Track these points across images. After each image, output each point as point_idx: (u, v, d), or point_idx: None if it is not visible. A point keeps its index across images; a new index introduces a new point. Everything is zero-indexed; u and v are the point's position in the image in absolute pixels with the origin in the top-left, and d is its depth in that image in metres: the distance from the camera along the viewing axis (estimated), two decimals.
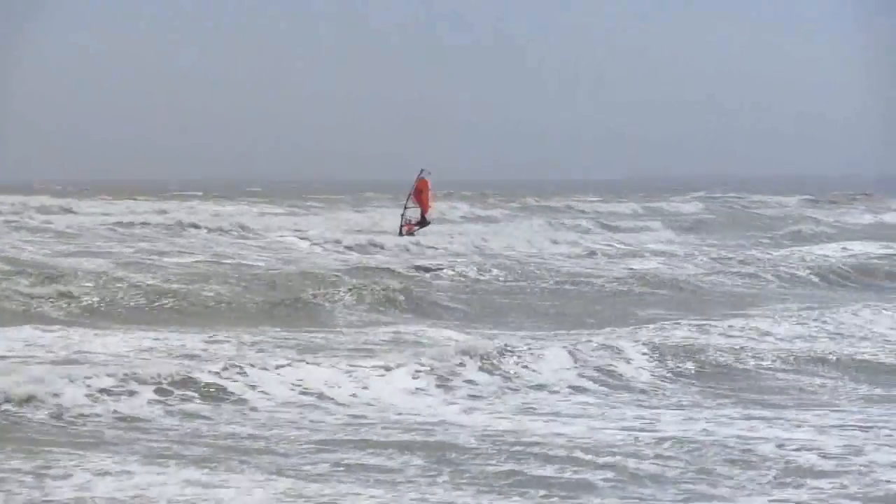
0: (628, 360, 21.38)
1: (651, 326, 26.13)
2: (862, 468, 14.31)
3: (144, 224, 57.27)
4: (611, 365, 21.06)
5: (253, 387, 18.29)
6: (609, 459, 14.48)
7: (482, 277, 36.24)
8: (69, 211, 66.06)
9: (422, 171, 40.05)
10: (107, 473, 13.21)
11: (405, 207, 41.20)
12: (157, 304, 29.00)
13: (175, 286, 30.35)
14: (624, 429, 16.43)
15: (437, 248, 47.13)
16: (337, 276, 33.23)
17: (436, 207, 74.74)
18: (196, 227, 57.25)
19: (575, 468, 14.08)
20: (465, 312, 30.55)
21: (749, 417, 17.46)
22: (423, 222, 40.73)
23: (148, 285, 30.21)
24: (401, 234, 41.53)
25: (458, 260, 40.21)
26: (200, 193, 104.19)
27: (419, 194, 40.14)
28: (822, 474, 14.02)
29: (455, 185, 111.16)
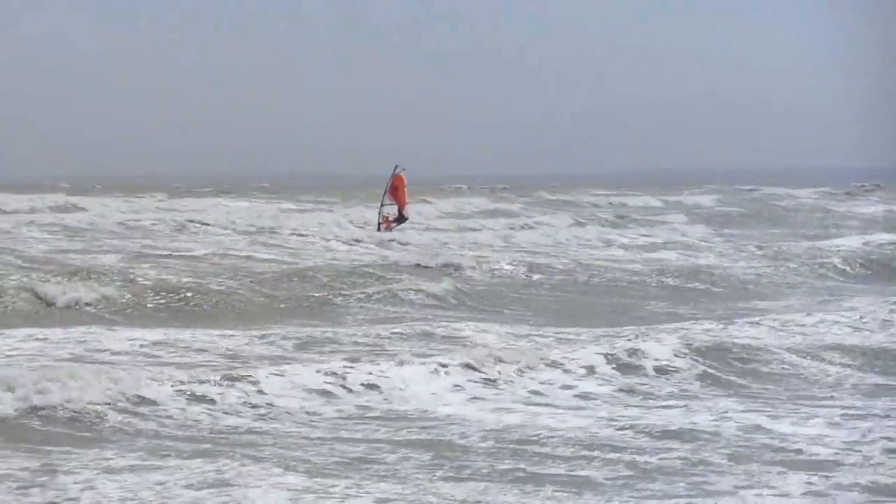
0: (658, 356, 20.47)
1: (683, 323, 25.52)
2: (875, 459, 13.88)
3: (160, 221, 56.35)
4: (637, 360, 20.17)
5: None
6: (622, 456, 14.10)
7: (513, 273, 35.26)
8: (80, 208, 65.34)
9: (396, 167, 40.44)
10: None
11: (381, 204, 41.30)
12: (196, 302, 28.27)
13: (214, 286, 29.66)
14: (644, 424, 15.88)
15: (462, 244, 46.24)
16: (370, 271, 32.57)
17: (450, 203, 74.96)
18: (208, 223, 56.33)
19: (580, 462, 13.81)
20: (498, 308, 29.54)
21: (767, 411, 16.79)
22: (400, 218, 41.16)
23: (184, 283, 29.52)
24: (378, 230, 41.21)
25: (486, 255, 39.21)
26: (209, 189, 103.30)
27: (395, 191, 40.56)
28: (832, 466, 13.65)
29: (458, 180, 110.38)
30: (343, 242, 43.90)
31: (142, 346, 21.32)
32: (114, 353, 20.52)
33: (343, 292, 29.78)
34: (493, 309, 29.39)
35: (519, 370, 18.97)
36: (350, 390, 17.62)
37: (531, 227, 56.61)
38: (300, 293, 29.73)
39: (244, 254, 39.39)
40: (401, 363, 18.77)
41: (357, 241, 44.33)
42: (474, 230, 53.78)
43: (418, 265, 35.36)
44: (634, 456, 14.02)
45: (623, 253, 44.01)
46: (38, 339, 21.67)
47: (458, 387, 18.14)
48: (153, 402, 16.31)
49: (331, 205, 74.73)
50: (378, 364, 18.75)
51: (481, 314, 28.25)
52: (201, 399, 16.65)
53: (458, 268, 35.08)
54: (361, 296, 29.57)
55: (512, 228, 55.58)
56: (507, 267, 35.88)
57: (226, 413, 16.28)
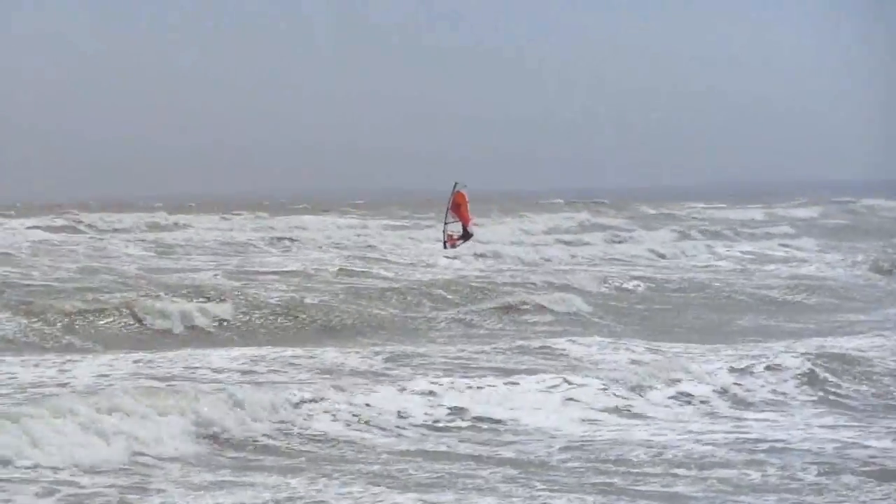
0: (774, 370, 19.85)
1: (798, 337, 24.78)
2: None
3: (260, 239, 55.87)
4: (748, 378, 19.47)
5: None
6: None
7: (631, 288, 34.44)
8: (181, 226, 65.22)
9: (456, 184, 39.76)
10: None
11: (445, 222, 40.85)
12: (296, 318, 27.80)
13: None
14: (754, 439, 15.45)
15: (570, 260, 45.52)
16: (482, 285, 32.23)
17: (551, 218, 74.31)
18: (308, 240, 55.80)
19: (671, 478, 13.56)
20: (612, 325, 28.69)
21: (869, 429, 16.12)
22: (465, 235, 40.17)
23: (285, 299, 29.06)
24: (445, 248, 40.88)
25: (596, 270, 38.39)
26: (303, 206, 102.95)
27: (457, 208, 39.68)
28: None
29: (549, 194, 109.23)
30: (446, 258, 43.42)
31: (242, 363, 20.95)
32: (214, 371, 20.15)
33: (458, 307, 29.88)
34: (609, 324, 28.73)
35: (640, 386, 18.55)
36: (457, 409, 17.19)
37: (636, 242, 55.46)
38: (403, 309, 29.61)
39: (344, 269, 38.79)
40: (510, 377, 18.58)
41: (455, 257, 43.69)
42: (578, 245, 52.92)
43: (530, 282, 34.49)
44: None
45: (733, 265, 42.93)
46: (136, 361, 21.15)
47: (572, 401, 17.72)
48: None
49: (426, 220, 74.11)
50: (486, 378, 18.58)
51: (595, 329, 27.67)
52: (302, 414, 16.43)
53: (565, 286, 34.09)
54: (481, 310, 29.74)
55: (618, 243, 54.59)
56: (623, 283, 34.98)
57: (321, 428, 16.02)
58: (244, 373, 19.95)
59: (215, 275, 35.61)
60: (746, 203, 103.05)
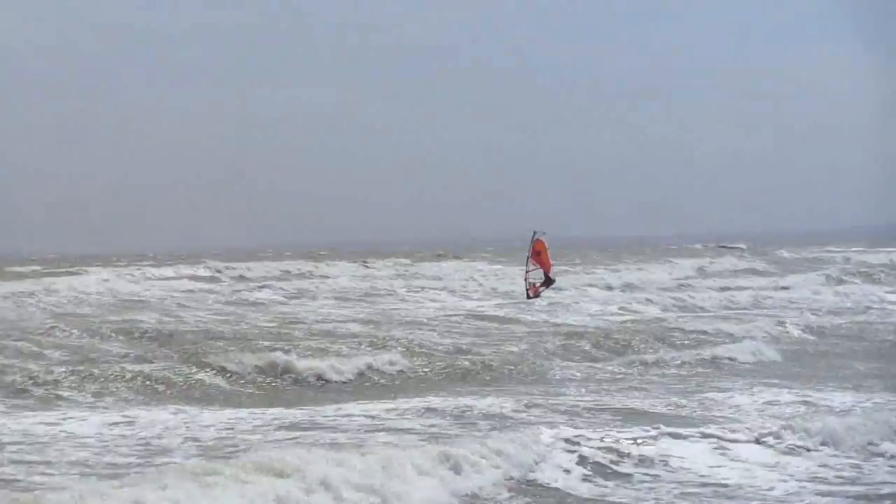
0: None
1: None
2: None
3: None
4: None
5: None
6: None
7: (798, 337, 33.26)
8: (328, 276, 64.95)
9: (535, 232, 40.85)
10: None
11: (526, 270, 41.27)
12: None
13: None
14: None
15: (721, 305, 44.47)
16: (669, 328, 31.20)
17: (696, 261, 73.15)
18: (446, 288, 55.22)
19: None
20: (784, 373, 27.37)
21: None
22: (548, 281, 41.85)
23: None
24: (528, 297, 41.04)
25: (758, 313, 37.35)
26: (441, 252, 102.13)
27: (538, 255, 40.81)
28: None
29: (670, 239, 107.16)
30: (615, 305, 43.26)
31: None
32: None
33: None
34: (782, 373, 27.38)
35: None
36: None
37: (786, 288, 53.99)
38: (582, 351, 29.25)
39: (497, 315, 38.23)
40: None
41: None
42: (730, 289, 51.76)
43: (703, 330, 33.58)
44: None
45: None
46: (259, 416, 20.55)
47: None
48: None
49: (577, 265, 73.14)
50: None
51: (768, 378, 26.31)
52: None
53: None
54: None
55: (774, 289, 53.23)
56: (791, 330, 33.83)
57: None
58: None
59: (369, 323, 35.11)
60: (882, 246, 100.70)
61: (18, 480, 14.99)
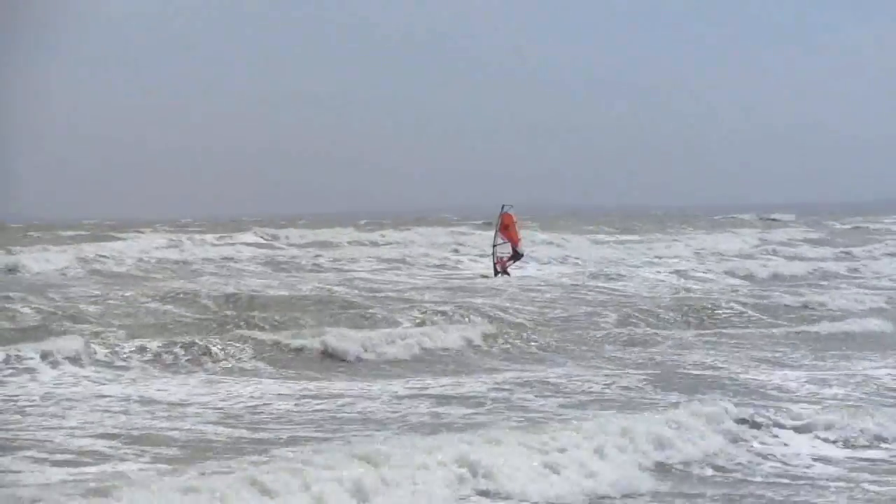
0: None
1: None
2: None
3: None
4: None
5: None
6: None
7: None
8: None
9: (503, 206, 39.89)
10: None
11: (494, 245, 40.52)
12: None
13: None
14: None
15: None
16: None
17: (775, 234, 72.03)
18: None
19: None
20: None
21: None
22: (515, 256, 41.19)
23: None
24: (496, 273, 40.25)
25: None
26: (480, 222, 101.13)
27: (506, 229, 40.06)
28: None
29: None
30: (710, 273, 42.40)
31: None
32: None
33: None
34: None
35: None
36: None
37: (862, 258, 52.76)
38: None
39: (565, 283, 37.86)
40: None
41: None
42: (809, 258, 50.76)
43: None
44: None
45: None
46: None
47: None
48: None
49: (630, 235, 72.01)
50: None
51: None
52: None
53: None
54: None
55: (848, 259, 52.14)
56: None
57: None
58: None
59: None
60: None
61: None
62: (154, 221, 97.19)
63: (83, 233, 72.43)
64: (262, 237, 67.12)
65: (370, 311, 28.43)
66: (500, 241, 40.53)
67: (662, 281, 40.53)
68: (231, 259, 48.86)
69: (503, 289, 35.09)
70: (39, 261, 43.11)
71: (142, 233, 72.95)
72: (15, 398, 17.56)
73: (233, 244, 58.88)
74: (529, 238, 53.56)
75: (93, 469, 12.79)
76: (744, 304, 31.35)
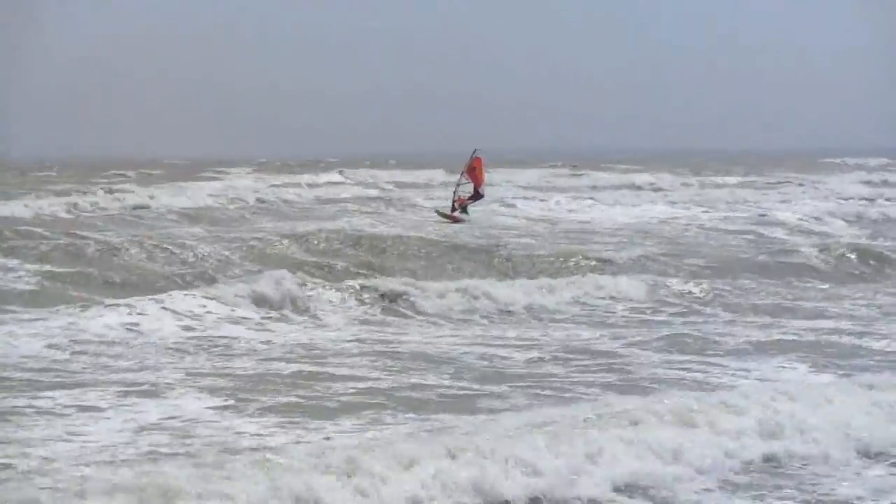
0: None
1: None
2: None
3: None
4: None
5: None
6: None
7: None
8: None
9: (475, 150, 41.41)
10: None
11: (457, 184, 41.35)
12: None
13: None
14: None
15: None
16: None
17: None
18: None
19: None
20: None
21: None
22: (475, 196, 41.52)
23: None
24: (453, 209, 40.75)
25: None
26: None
27: (472, 171, 41.21)
28: None
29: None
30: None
31: None
32: None
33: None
34: None
35: None
36: None
37: None
38: None
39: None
40: None
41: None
42: None
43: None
44: None
45: None
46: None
47: None
48: None
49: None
50: None
51: None
52: None
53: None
54: None
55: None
56: None
57: None
58: None
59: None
60: None
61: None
62: (232, 161, 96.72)
63: (168, 171, 72.20)
64: (347, 179, 66.97)
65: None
66: (464, 181, 41.65)
67: None
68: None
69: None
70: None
71: (227, 172, 72.85)
72: None
73: (333, 184, 58.98)
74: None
75: None
76: None
